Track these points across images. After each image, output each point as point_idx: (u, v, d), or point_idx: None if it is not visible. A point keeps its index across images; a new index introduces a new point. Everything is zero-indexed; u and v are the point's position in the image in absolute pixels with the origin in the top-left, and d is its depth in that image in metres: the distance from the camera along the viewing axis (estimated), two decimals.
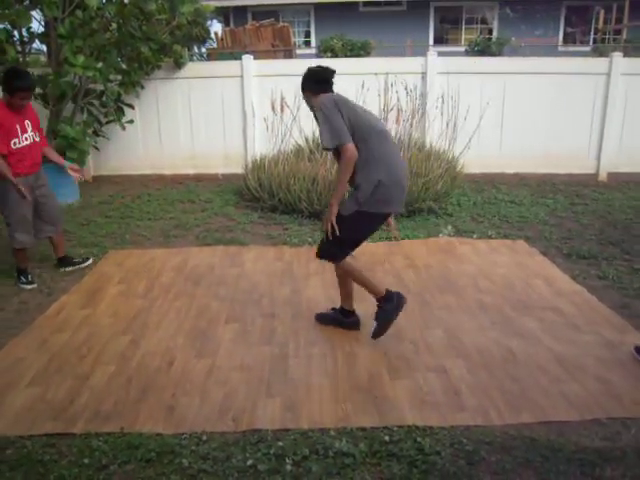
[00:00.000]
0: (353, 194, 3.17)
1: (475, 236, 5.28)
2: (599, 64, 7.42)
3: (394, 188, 3.13)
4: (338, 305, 3.61)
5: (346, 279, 3.45)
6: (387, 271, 4.48)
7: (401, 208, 3.39)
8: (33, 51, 7.24)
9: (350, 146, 2.98)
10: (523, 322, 3.59)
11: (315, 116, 3.20)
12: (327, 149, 3.10)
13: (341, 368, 3.07)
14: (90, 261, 4.73)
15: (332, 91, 3.27)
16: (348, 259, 3.28)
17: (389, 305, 3.24)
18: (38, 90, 6.61)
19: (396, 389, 2.85)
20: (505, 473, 2.25)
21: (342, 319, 3.55)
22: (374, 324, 3.29)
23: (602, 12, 17.33)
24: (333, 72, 3.32)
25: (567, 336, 3.40)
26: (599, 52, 15.19)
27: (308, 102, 3.37)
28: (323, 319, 3.62)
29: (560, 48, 17.80)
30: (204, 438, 2.50)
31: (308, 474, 2.27)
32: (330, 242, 3.21)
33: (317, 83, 3.27)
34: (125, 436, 2.52)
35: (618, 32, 17.45)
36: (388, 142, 3.20)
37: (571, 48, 17.80)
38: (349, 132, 3.01)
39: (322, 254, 3.36)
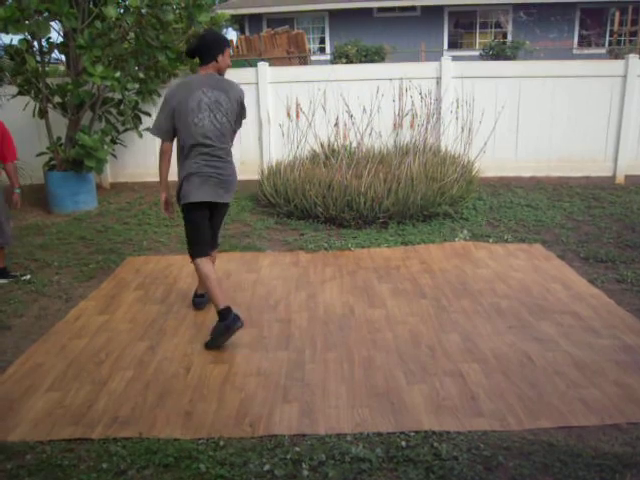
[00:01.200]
0: None
1: (491, 240, 5.25)
2: (615, 66, 7.36)
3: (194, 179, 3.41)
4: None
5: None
6: (403, 275, 4.48)
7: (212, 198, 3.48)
8: (52, 61, 7.36)
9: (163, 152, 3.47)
10: (540, 326, 3.57)
11: None
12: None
13: (357, 373, 3.07)
14: (28, 277, 4.58)
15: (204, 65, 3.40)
16: (201, 261, 3.46)
17: (221, 324, 3.36)
18: (57, 99, 6.74)
19: (413, 394, 2.85)
20: (523, 478, 2.24)
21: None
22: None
23: (617, 14, 17.19)
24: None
25: (585, 340, 3.37)
26: (615, 54, 15.06)
27: None
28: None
29: (575, 51, 17.68)
30: (221, 443, 2.51)
31: (325, 479, 2.27)
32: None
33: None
34: (143, 441, 2.54)
35: (634, 34, 17.28)
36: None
37: (586, 51, 17.66)
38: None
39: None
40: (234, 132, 3.62)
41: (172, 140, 3.45)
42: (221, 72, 3.44)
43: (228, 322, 3.32)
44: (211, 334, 3.42)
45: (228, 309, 3.34)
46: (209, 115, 3.33)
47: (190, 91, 3.30)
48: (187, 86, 3.34)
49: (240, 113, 3.56)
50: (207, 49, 3.34)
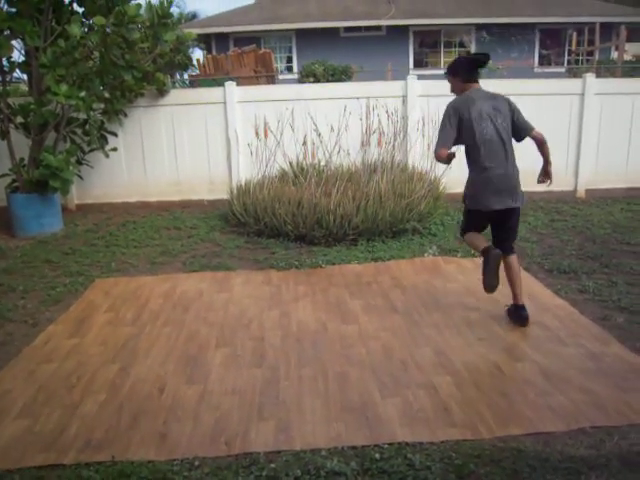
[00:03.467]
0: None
1: (459, 255, 5.36)
2: (573, 85, 7.65)
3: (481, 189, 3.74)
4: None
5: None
6: (375, 291, 4.54)
7: (496, 206, 3.74)
8: (13, 80, 7.26)
9: (441, 151, 3.70)
10: (509, 337, 3.66)
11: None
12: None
13: (332, 388, 3.09)
14: None
15: (476, 81, 3.81)
16: (468, 234, 3.98)
17: (487, 257, 3.75)
18: (19, 119, 6.64)
19: (387, 407, 2.88)
20: None
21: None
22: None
23: (574, 34, 17.82)
24: (480, 61, 3.84)
25: (551, 349, 3.46)
26: (573, 73, 15.59)
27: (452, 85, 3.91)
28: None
29: (536, 70, 18.24)
30: (196, 463, 2.50)
31: None
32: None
33: (466, 72, 3.81)
34: (117, 465, 2.51)
35: (590, 53, 17.93)
36: (485, 147, 3.68)
37: (546, 69, 18.25)
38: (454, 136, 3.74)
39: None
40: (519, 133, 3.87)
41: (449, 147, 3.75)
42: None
43: (491, 254, 3.68)
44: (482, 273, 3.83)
45: (488, 247, 3.74)
46: (490, 122, 3.68)
47: (472, 103, 3.70)
48: (467, 100, 3.73)
49: (515, 113, 3.85)
50: (477, 68, 3.82)
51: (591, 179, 7.69)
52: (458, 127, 3.70)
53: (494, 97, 3.80)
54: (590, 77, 7.48)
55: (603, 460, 2.41)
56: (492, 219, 3.85)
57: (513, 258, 3.90)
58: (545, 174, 4.00)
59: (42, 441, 2.71)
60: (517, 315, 3.87)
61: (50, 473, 2.48)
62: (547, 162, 3.95)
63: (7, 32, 6.05)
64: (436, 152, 3.73)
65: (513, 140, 3.82)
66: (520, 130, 3.83)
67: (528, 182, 7.50)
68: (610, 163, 7.66)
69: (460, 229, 4.14)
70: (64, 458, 2.57)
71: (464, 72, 3.79)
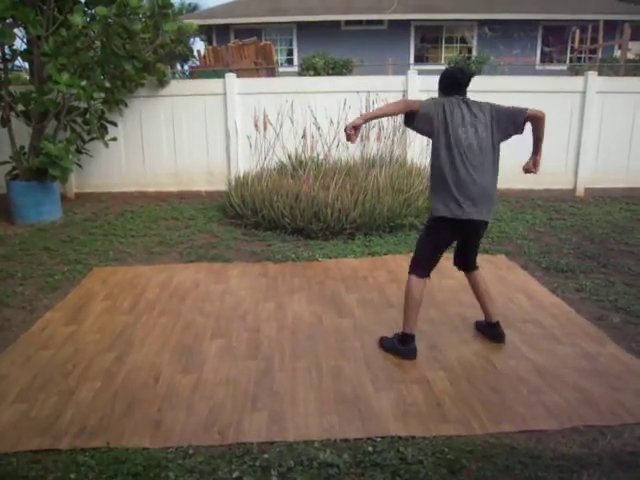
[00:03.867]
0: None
1: None
2: (575, 83, 7.64)
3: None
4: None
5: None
6: (371, 285, 4.55)
7: (474, 216, 3.27)
8: (15, 68, 7.25)
9: (404, 100, 3.23)
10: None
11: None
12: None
13: (326, 381, 3.11)
14: None
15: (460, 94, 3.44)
16: (415, 280, 3.43)
17: (399, 345, 3.42)
18: (20, 107, 6.64)
19: (380, 401, 2.90)
20: None
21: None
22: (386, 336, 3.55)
23: (577, 32, 17.78)
24: (464, 77, 3.50)
25: (546, 347, 3.48)
26: (575, 71, 15.56)
27: None
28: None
29: (538, 67, 18.18)
30: (190, 452, 2.52)
31: None
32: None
33: (444, 88, 3.50)
34: (111, 451, 2.53)
35: (593, 51, 17.89)
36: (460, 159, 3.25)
37: (548, 67, 18.21)
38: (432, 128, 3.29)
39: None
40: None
41: (415, 122, 3.30)
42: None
43: (404, 350, 3.38)
44: (392, 338, 3.49)
45: (413, 337, 3.40)
46: (470, 128, 3.32)
47: (455, 105, 3.36)
48: (450, 99, 3.39)
49: (499, 121, 3.43)
50: (456, 84, 3.47)
51: (591, 178, 7.70)
52: (444, 120, 3.28)
53: (476, 104, 3.44)
54: (592, 75, 7.48)
55: (595, 459, 2.43)
56: (462, 233, 3.47)
57: (479, 273, 3.65)
58: (533, 163, 3.73)
59: (38, 426, 2.73)
60: (493, 333, 3.61)
61: (46, 458, 2.51)
62: (538, 148, 3.69)
63: (10, 20, 6.04)
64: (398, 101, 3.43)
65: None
66: (513, 117, 3.44)
67: (528, 179, 7.50)
68: (610, 162, 7.68)
69: (416, 257, 3.49)
70: (59, 443, 2.60)
71: (442, 88, 3.53)
